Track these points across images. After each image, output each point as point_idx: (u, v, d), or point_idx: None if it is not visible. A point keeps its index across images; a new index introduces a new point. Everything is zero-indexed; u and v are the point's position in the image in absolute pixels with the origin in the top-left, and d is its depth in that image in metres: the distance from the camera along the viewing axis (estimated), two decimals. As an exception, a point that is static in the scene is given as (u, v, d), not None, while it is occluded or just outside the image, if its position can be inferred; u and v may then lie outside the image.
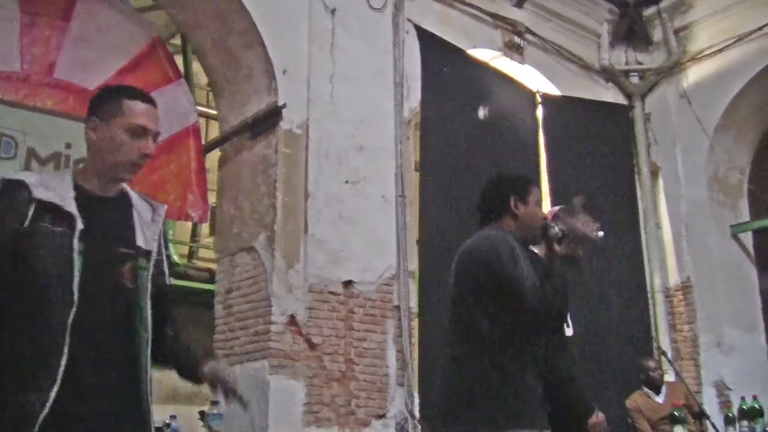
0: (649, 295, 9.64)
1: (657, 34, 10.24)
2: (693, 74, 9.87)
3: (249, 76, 7.35)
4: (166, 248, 2.88)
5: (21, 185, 2.50)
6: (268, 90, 7.17)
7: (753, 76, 9.36)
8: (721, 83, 9.57)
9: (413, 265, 7.57)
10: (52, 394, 2.34)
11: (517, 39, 9.17)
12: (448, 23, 8.56)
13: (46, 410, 2.32)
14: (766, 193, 10.29)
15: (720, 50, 9.56)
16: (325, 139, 7.23)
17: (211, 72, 7.77)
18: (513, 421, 3.50)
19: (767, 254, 10.12)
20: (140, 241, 2.64)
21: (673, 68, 10.01)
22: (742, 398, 7.37)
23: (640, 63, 10.34)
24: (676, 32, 10.00)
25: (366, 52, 7.74)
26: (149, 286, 2.63)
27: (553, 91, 9.54)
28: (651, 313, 9.56)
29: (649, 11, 10.20)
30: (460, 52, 8.46)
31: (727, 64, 9.53)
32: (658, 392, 7.67)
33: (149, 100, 2.69)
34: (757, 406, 7.18)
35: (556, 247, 3.71)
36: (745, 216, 9.92)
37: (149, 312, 2.61)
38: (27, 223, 2.45)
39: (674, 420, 7.23)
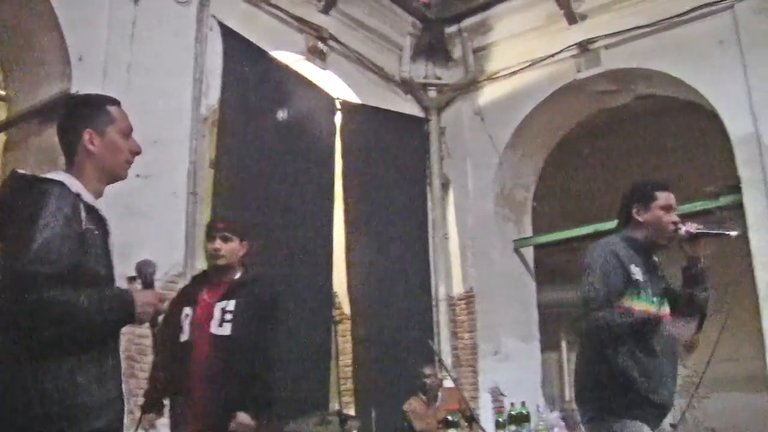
0: (433, 303, 9.94)
1: (457, 52, 10.58)
2: (488, 93, 10.29)
3: (42, 60, 7.05)
4: None
5: (63, 185, 2.54)
6: (61, 76, 6.91)
7: (543, 99, 9.87)
8: (513, 104, 10.02)
9: (201, 263, 7.49)
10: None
11: (320, 45, 9.26)
12: (253, 23, 8.52)
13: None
14: (548, 210, 10.83)
15: (514, 72, 10.01)
16: (118, 131, 7.03)
17: (0, 51, 7.43)
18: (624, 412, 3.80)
19: (546, 269, 10.67)
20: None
21: (470, 86, 10.39)
22: (512, 404, 7.74)
23: (439, 78, 10.66)
24: (475, 51, 10.37)
25: (167, 45, 7.60)
26: None
27: (353, 98, 9.69)
28: (435, 320, 9.87)
29: (450, 29, 10.52)
30: (263, 53, 8.43)
31: (520, 86, 9.99)
32: (434, 398, 7.94)
33: (119, 103, 2.88)
34: (524, 411, 7.55)
35: (687, 248, 3.95)
36: (528, 231, 10.42)
37: None
38: (84, 225, 2.54)
39: (448, 424, 7.49)
